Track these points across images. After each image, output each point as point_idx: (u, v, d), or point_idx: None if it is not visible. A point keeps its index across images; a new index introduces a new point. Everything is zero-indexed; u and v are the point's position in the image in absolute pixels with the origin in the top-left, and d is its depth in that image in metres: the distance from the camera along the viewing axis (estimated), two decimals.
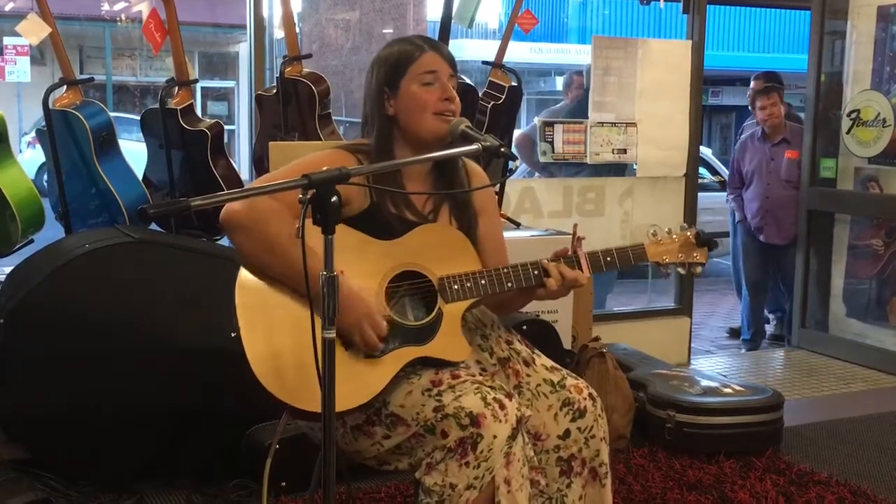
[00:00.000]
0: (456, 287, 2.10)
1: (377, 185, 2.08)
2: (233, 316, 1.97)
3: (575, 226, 2.24)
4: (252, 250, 2.00)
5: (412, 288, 2.11)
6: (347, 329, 1.98)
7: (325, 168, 1.71)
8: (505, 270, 2.13)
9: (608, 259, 2.20)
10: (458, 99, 2.17)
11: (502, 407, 1.93)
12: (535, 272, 2.14)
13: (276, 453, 2.37)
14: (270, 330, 1.96)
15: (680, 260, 2.24)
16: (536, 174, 5.52)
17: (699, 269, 2.27)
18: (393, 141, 2.17)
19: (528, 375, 2.19)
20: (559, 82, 18.24)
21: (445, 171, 2.23)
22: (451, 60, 2.19)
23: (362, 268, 2.03)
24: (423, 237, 2.12)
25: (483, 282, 2.11)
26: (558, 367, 2.24)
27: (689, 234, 2.25)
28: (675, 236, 2.25)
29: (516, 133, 5.31)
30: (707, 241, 2.25)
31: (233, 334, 1.96)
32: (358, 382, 1.97)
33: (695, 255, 2.25)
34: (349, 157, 2.13)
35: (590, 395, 2.16)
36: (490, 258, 2.23)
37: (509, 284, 2.13)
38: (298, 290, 1.95)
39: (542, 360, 2.24)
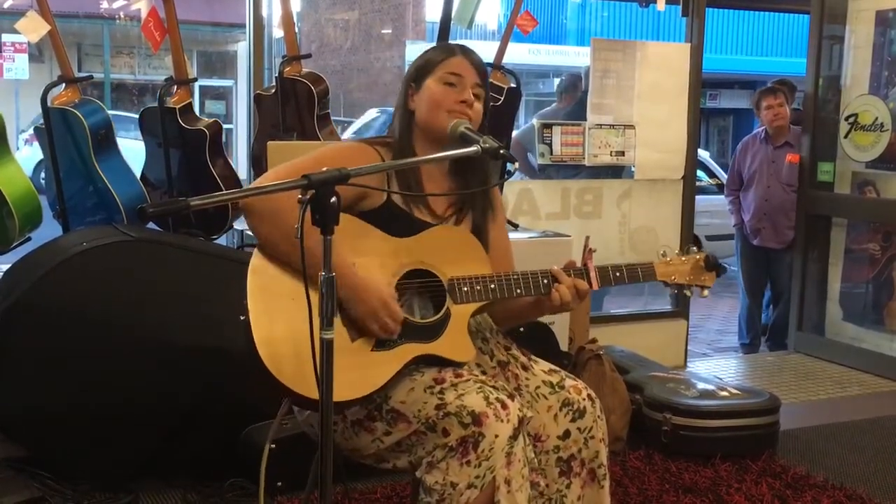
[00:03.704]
0: (466, 289, 2.11)
1: (374, 187, 2.09)
2: (243, 299, 1.98)
3: (587, 238, 2.27)
4: (272, 238, 2.00)
5: (422, 286, 2.12)
6: (363, 317, 1.99)
7: (325, 169, 1.71)
8: (515, 277, 2.15)
9: (617, 274, 2.24)
10: (477, 108, 2.19)
11: (504, 407, 1.94)
12: (545, 281, 2.17)
13: (272, 453, 2.37)
14: (279, 316, 1.96)
15: (689, 281, 2.31)
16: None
17: (706, 292, 2.33)
18: (413, 136, 2.21)
19: (526, 379, 2.20)
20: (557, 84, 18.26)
21: (468, 175, 2.24)
22: (480, 71, 2.21)
23: (375, 262, 2.05)
24: (436, 237, 2.14)
25: (493, 286, 2.13)
26: (556, 369, 2.25)
27: (698, 257, 2.31)
28: (684, 258, 2.31)
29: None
30: (715, 266, 2.31)
31: (241, 317, 1.96)
32: (361, 374, 1.98)
33: (703, 278, 2.32)
34: (368, 150, 2.17)
35: (588, 395, 2.17)
36: (497, 265, 2.24)
37: (518, 291, 2.15)
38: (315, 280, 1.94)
39: (540, 366, 2.25)
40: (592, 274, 2.20)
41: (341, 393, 1.81)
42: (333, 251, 1.72)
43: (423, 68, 2.20)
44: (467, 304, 2.11)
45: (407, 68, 2.29)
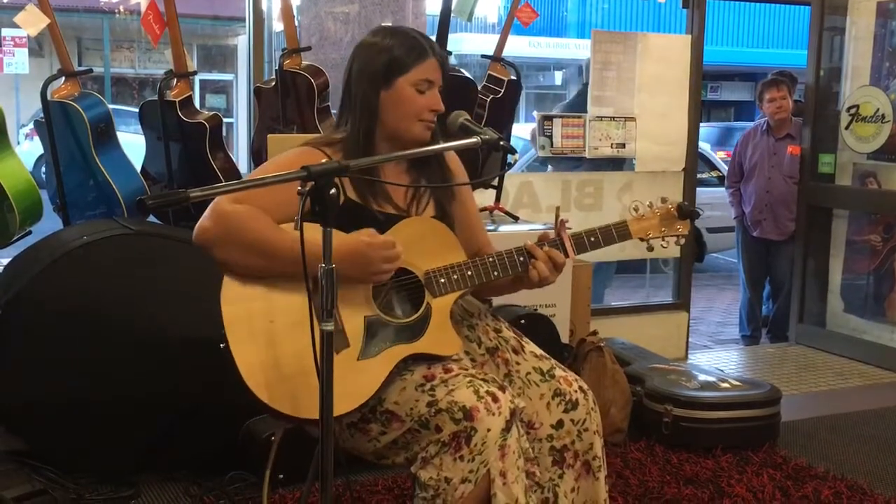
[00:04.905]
0: (443, 280, 2.09)
1: (367, 177, 2.09)
2: (220, 328, 1.97)
3: (557, 208, 2.24)
4: (237, 259, 1.99)
5: (398, 284, 2.10)
6: (366, 279, 1.99)
7: (324, 161, 1.71)
8: (490, 259, 2.13)
9: (592, 239, 2.20)
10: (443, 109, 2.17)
11: (495, 400, 1.93)
12: (521, 258, 2.15)
13: (273, 445, 2.37)
14: (260, 340, 1.96)
15: (662, 234, 2.25)
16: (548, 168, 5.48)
17: (682, 241, 2.27)
18: (375, 134, 2.15)
19: (517, 363, 2.19)
20: (558, 76, 18.23)
21: (426, 162, 2.22)
22: (445, 69, 2.18)
23: None
24: (405, 232, 2.10)
25: (469, 273, 2.11)
26: (546, 355, 2.23)
27: (670, 206, 2.26)
28: (656, 209, 2.25)
29: (531, 128, 5.29)
30: (689, 213, 2.26)
31: (221, 346, 1.95)
32: (351, 385, 1.96)
33: (677, 227, 2.26)
34: (316, 154, 2.10)
35: (580, 387, 2.16)
36: (471, 241, 2.24)
37: (496, 273, 2.13)
38: (292, 286, 1.95)
39: (531, 347, 2.24)
40: (567, 244, 2.16)
41: (335, 407, 1.78)
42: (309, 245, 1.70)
43: (396, 66, 2.10)
44: (446, 295, 2.10)
45: (365, 53, 2.15)
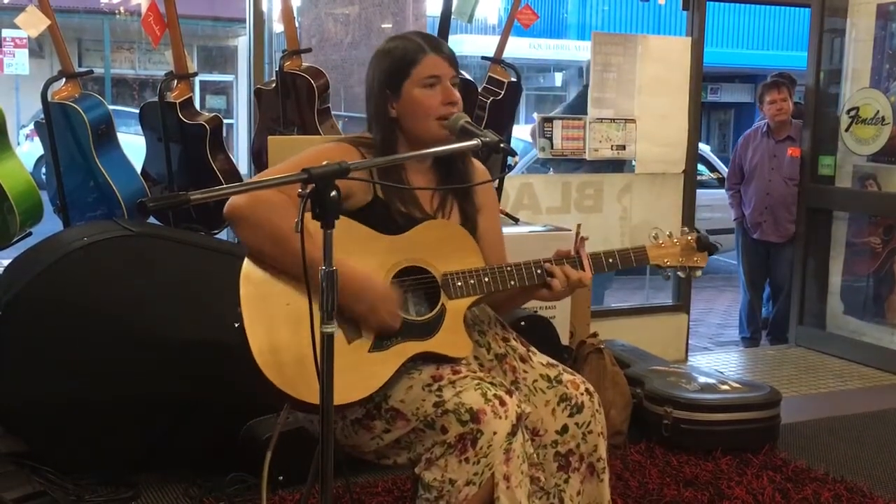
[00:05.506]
0: (459, 284, 2.10)
1: (383, 182, 2.09)
2: (237, 306, 1.97)
3: (578, 226, 2.26)
4: (257, 243, 1.99)
5: (415, 283, 2.11)
6: (363, 315, 1.98)
7: (325, 162, 1.71)
8: (508, 269, 2.15)
9: (610, 260, 2.23)
10: (460, 99, 2.16)
11: (503, 403, 1.94)
12: (538, 271, 2.16)
13: (274, 446, 2.37)
14: (274, 322, 1.96)
15: (680, 263, 2.29)
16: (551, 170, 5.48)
17: (699, 273, 2.31)
18: (396, 141, 2.17)
19: (524, 372, 2.20)
20: (558, 78, 18.21)
21: (451, 168, 2.23)
22: (452, 61, 2.17)
23: (367, 262, 2.03)
24: (427, 233, 2.12)
25: (486, 279, 2.12)
26: (554, 363, 2.24)
27: (690, 238, 2.30)
28: (676, 240, 2.29)
29: (531, 128, 5.29)
30: (707, 246, 2.29)
31: (236, 325, 1.96)
32: (360, 376, 1.97)
33: (695, 259, 2.29)
34: (352, 151, 2.13)
35: (587, 390, 2.17)
36: (489, 254, 2.24)
37: (512, 283, 2.15)
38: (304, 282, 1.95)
39: (539, 357, 2.25)
40: (586, 262, 2.18)
41: (341, 395, 1.80)
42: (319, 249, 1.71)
43: (398, 73, 2.12)
44: (462, 298, 2.11)
45: (373, 65, 2.19)
